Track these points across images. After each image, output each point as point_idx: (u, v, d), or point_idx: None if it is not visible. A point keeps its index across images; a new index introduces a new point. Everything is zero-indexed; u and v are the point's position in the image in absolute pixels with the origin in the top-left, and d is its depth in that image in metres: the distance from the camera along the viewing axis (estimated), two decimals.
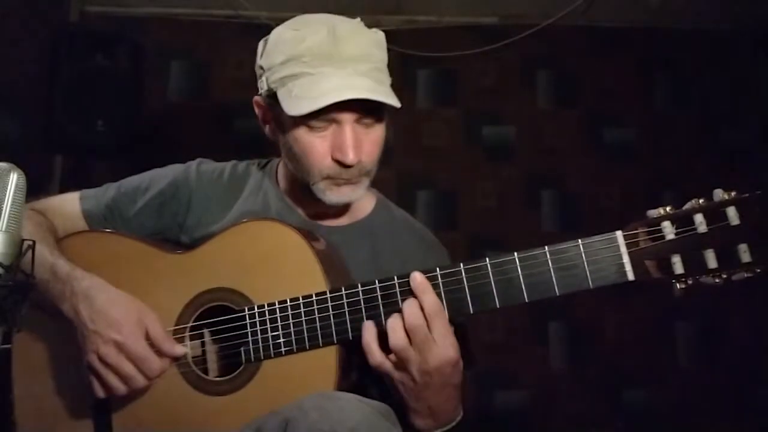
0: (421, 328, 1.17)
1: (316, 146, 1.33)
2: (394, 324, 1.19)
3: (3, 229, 1.01)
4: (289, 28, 1.36)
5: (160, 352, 1.28)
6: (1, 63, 2.77)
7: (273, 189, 1.52)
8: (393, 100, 1.30)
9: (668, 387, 3.23)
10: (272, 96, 1.35)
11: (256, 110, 1.45)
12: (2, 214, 1.02)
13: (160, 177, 1.54)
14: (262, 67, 1.38)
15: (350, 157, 1.30)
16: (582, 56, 3.48)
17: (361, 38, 1.34)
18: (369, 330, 1.22)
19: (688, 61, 3.46)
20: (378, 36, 1.38)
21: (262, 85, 1.38)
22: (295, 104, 1.29)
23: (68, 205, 1.54)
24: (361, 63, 1.31)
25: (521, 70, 3.48)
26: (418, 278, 1.21)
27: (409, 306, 1.19)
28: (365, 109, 1.31)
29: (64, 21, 3.22)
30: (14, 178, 1.04)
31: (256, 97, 1.43)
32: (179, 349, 1.30)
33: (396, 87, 1.38)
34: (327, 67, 1.29)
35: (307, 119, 1.30)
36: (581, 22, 3.41)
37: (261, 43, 1.41)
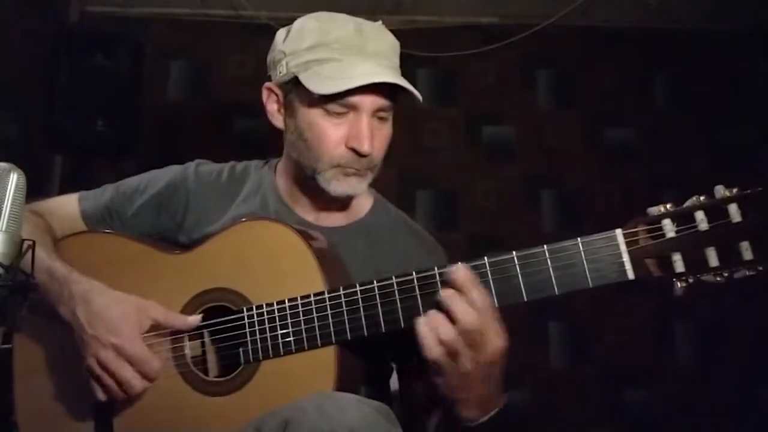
0: (478, 327, 1.12)
1: (332, 133, 1.35)
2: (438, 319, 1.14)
3: (3, 229, 1.01)
4: (315, 19, 1.39)
5: (176, 328, 1.29)
6: (1, 63, 2.77)
7: (271, 189, 1.52)
8: (417, 93, 1.34)
9: (668, 387, 3.22)
10: (289, 81, 1.37)
11: (264, 97, 1.45)
12: (2, 214, 1.02)
13: (158, 178, 1.54)
14: (283, 52, 1.38)
15: (366, 147, 1.33)
16: (582, 56, 3.48)
17: (384, 38, 1.39)
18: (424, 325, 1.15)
19: (688, 61, 3.46)
20: (396, 41, 1.43)
21: (281, 70, 1.38)
22: (325, 84, 1.31)
23: (67, 206, 1.54)
24: (384, 59, 1.37)
25: (521, 70, 3.48)
26: (461, 274, 1.13)
27: (460, 305, 1.12)
28: (385, 99, 1.35)
29: (64, 21, 3.22)
30: (14, 178, 1.04)
31: (268, 84, 1.44)
32: (192, 319, 1.30)
33: None
34: (355, 57, 1.33)
35: (328, 103, 1.33)
36: (581, 22, 3.41)
37: (282, 32, 1.42)
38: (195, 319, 1.30)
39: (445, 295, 1.13)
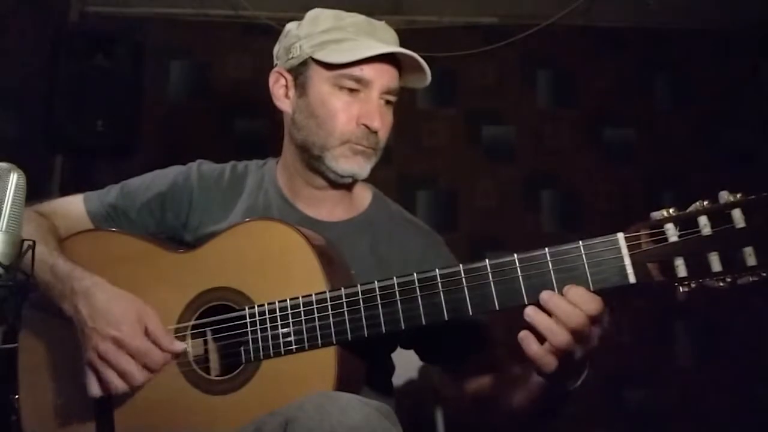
0: (585, 322, 1.11)
1: (344, 110, 1.41)
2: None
3: (3, 229, 1.01)
4: (327, 10, 1.45)
5: (160, 348, 1.29)
6: (1, 63, 2.77)
7: (272, 186, 1.54)
8: (426, 67, 1.42)
9: (668, 387, 3.22)
10: (302, 64, 1.42)
11: (272, 82, 1.50)
12: (2, 214, 1.02)
13: (161, 177, 1.56)
14: (298, 36, 1.44)
15: (377, 122, 1.39)
16: (582, 56, 3.47)
17: (390, 32, 1.47)
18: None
19: (688, 61, 3.46)
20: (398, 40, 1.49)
21: (295, 53, 1.44)
22: (344, 55, 1.37)
23: (71, 206, 1.55)
24: (394, 46, 1.44)
25: (521, 70, 3.48)
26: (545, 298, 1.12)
27: (563, 306, 1.11)
28: (394, 81, 1.42)
29: (64, 21, 3.22)
30: (14, 178, 1.04)
31: (277, 68, 1.49)
32: (178, 345, 1.31)
33: None
34: (369, 38, 1.41)
35: (342, 80, 1.39)
36: (581, 22, 3.40)
37: (292, 23, 1.49)
38: (181, 346, 1.31)
39: (545, 298, 1.12)
